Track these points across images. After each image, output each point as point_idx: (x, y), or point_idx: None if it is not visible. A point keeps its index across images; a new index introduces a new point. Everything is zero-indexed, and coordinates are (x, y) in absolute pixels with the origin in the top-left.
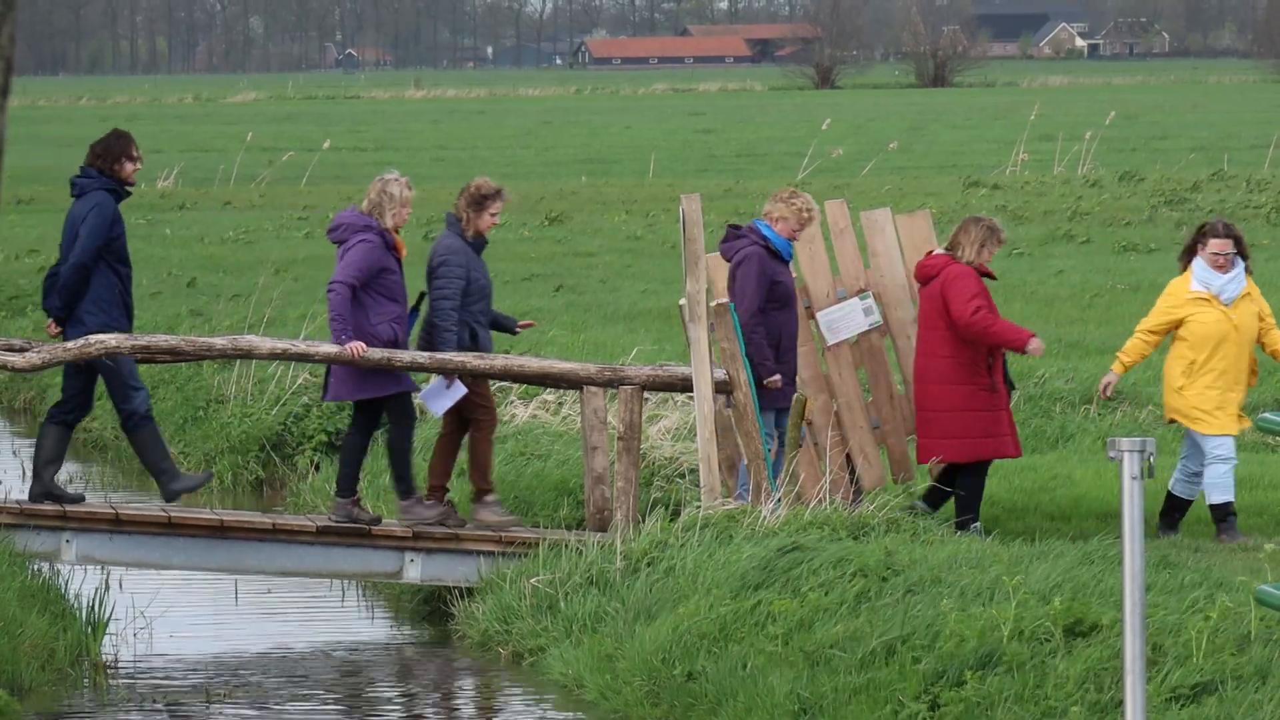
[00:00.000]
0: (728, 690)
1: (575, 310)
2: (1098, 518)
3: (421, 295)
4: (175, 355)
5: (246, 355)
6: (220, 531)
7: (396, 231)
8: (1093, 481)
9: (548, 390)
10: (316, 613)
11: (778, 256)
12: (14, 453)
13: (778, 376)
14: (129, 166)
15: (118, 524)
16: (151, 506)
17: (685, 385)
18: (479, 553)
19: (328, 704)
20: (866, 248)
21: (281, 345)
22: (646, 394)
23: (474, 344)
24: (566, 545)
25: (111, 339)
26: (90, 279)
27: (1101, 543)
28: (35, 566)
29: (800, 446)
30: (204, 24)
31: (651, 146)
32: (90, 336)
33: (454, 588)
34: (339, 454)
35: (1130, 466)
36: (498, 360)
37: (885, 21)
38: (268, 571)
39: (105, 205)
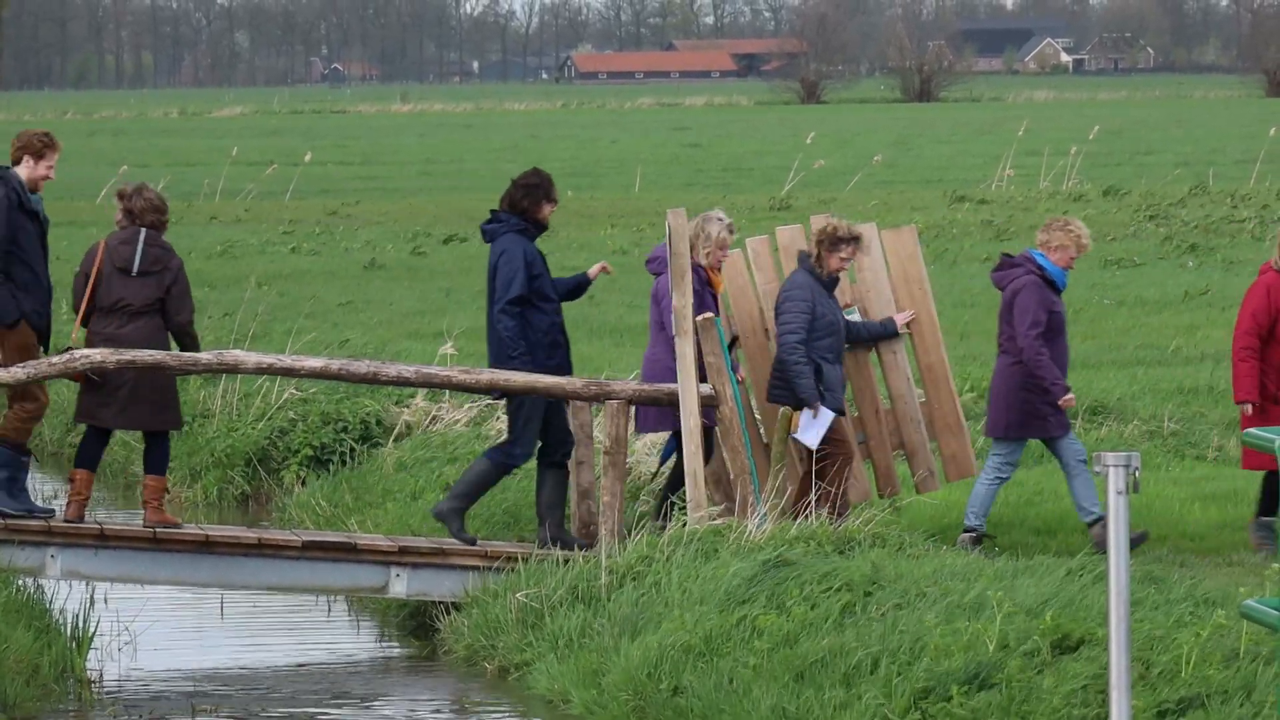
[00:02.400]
0: (713, 705)
1: None
2: (1083, 532)
3: (735, 338)
4: (160, 370)
5: (232, 370)
6: (205, 547)
7: (714, 269)
8: None
9: None
10: (302, 628)
11: (1052, 285)
12: None
13: (1071, 395)
14: (547, 209)
15: (103, 539)
16: (136, 522)
17: (671, 400)
18: (464, 567)
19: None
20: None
21: (267, 360)
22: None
23: (819, 379)
24: (552, 560)
25: (96, 353)
26: (522, 320)
27: (1087, 558)
28: (20, 582)
29: (785, 461)
30: (189, 38)
31: (638, 160)
32: (75, 351)
33: (440, 602)
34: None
35: (1115, 481)
36: (484, 374)
37: (871, 36)
38: (253, 586)
39: (514, 250)
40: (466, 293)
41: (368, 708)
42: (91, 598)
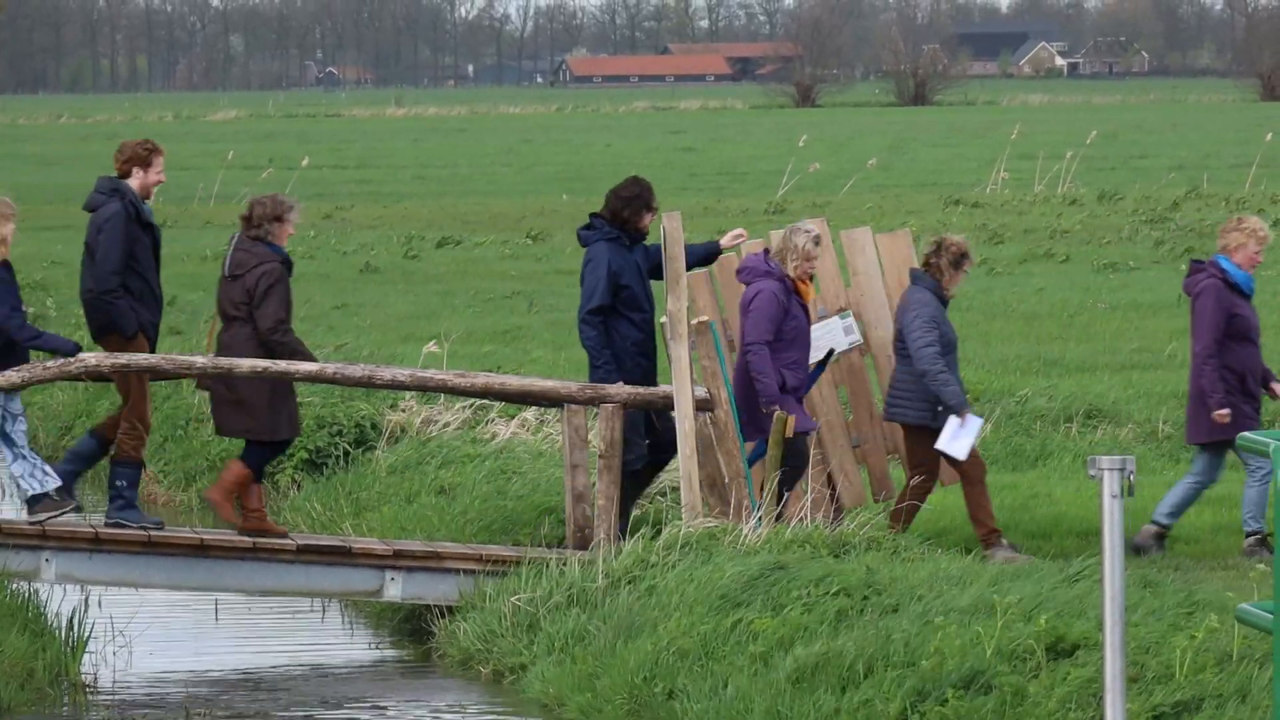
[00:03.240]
0: (709, 709)
1: (557, 329)
2: (1078, 536)
3: (830, 351)
4: (155, 373)
5: (227, 374)
6: (200, 550)
7: (805, 280)
8: (1073, 500)
9: (529, 408)
10: (297, 632)
11: (1237, 290)
12: None
13: (1226, 411)
14: (647, 218)
15: (97, 543)
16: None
17: (666, 404)
18: (459, 571)
19: None
20: (847, 266)
21: (262, 364)
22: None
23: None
24: (547, 563)
25: (91, 357)
26: (604, 329)
27: (1083, 562)
28: (14, 585)
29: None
30: (184, 42)
31: (632, 165)
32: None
33: (434, 606)
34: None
35: (1110, 485)
36: (479, 378)
37: (865, 40)
38: (248, 590)
39: (600, 259)
40: (461, 296)
41: (362, 712)
42: (86, 601)
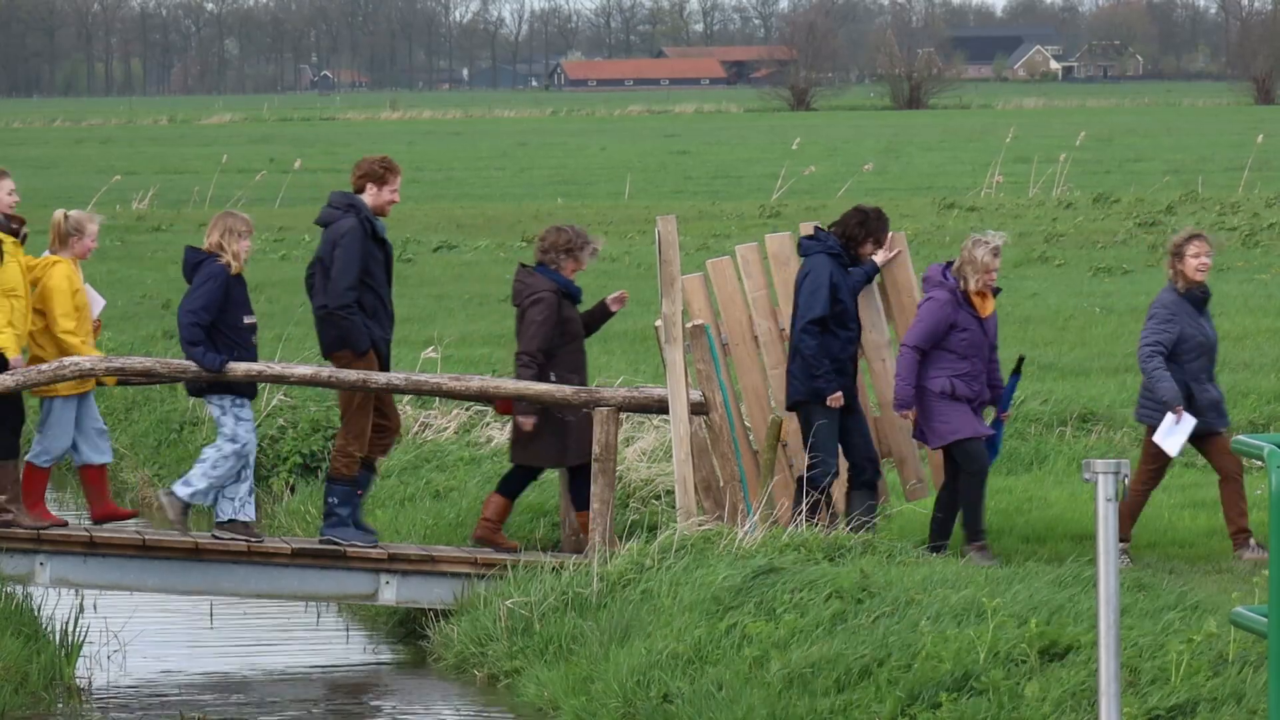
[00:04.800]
0: (703, 712)
1: None
2: (1072, 539)
3: (1021, 359)
4: (150, 377)
5: (221, 377)
6: (195, 554)
7: (985, 292)
8: (1067, 503)
9: None
10: (292, 635)
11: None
12: None
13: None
14: (868, 248)
15: (92, 547)
16: (126, 529)
17: (661, 407)
18: (454, 574)
19: None
20: None
21: (256, 367)
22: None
23: (1190, 404)
24: (542, 567)
25: (86, 360)
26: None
27: (1077, 564)
28: (9, 589)
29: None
30: (179, 45)
31: (627, 168)
32: (64, 359)
33: (429, 610)
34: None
35: (1105, 488)
36: (474, 381)
37: (860, 44)
38: (243, 594)
39: (820, 271)
40: (456, 300)
41: (357, 715)
42: (81, 605)
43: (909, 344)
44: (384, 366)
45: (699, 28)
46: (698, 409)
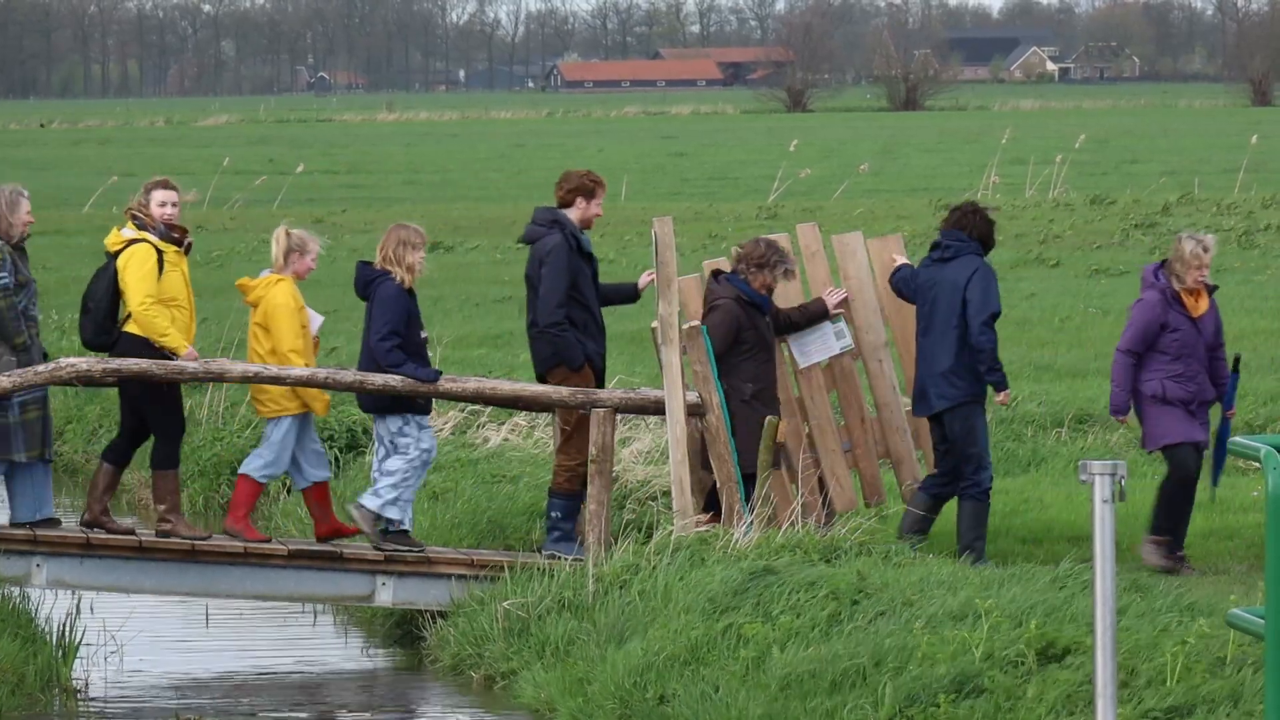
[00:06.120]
0: (699, 714)
1: None
2: (1069, 541)
3: (1238, 358)
4: (146, 379)
5: (218, 379)
6: (191, 555)
7: (1198, 290)
8: (1064, 505)
9: (520, 413)
10: (288, 636)
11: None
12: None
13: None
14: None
15: (88, 548)
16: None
17: (658, 408)
18: (450, 576)
19: None
20: (838, 271)
21: (254, 369)
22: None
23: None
24: (538, 568)
25: (83, 362)
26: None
27: (1073, 566)
28: (5, 590)
29: (771, 470)
30: (176, 47)
31: (624, 169)
32: (61, 360)
33: (426, 611)
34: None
35: (1101, 490)
36: (470, 383)
37: (857, 45)
38: (239, 595)
39: (986, 270)
40: (452, 301)
41: (353, 717)
42: (77, 606)
43: (1122, 348)
44: (599, 380)
45: (695, 29)
46: (694, 410)
